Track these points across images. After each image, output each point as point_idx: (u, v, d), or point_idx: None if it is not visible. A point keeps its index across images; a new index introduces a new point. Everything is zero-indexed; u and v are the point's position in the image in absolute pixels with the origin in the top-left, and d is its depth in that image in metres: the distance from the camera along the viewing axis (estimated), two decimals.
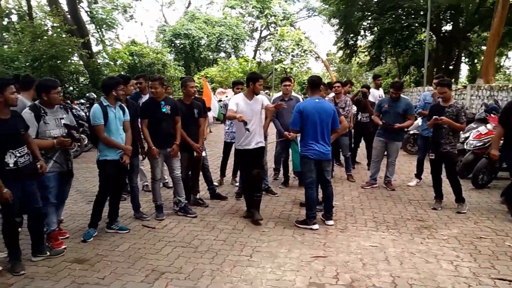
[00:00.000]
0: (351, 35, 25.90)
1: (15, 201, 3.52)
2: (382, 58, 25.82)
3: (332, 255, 3.99)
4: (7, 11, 17.59)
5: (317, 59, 39.64)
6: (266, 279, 3.47)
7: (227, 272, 3.60)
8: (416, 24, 21.33)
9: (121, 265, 3.75)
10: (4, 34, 18.48)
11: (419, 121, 7.71)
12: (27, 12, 18.83)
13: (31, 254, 3.87)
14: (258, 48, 39.19)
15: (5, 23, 17.81)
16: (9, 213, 3.59)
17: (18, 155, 3.52)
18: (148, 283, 3.40)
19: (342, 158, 7.83)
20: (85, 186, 6.79)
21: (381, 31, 21.87)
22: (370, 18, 23.51)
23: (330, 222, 4.85)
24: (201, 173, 5.87)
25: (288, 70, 33.40)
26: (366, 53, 27.01)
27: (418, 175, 6.85)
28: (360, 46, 27.41)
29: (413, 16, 20.83)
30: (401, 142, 6.85)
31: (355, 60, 29.34)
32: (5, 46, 15.03)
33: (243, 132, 4.85)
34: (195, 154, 5.35)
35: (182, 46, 31.15)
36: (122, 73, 18.30)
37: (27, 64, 12.89)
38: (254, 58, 36.30)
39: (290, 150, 6.40)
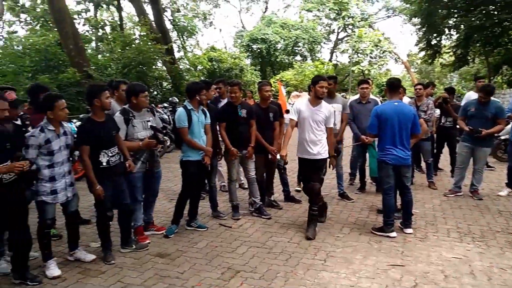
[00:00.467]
0: (434, 35, 24.46)
1: (107, 197, 3.86)
2: (469, 58, 24.05)
3: (410, 264, 3.83)
4: (102, 23, 19.21)
5: (397, 60, 38.07)
6: (340, 284, 3.43)
7: (301, 275, 3.62)
8: (510, 19, 19.57)
9: (199, 261, 3.94)
10: (99, 44, 20.22)
11: (510, 125, 7.07)
12: (119, 23, 20.44)
13: (120, 246, 4.22)
14: (335, 50, 38.62)
15: (100, 34, 19.44)
16: (101, 208, 3.95)
17: (110, 154, 3.86)
18: (224, 280, 3.53)
19: (423, 164, 7.45)
20: (167, 185, 7.19)
21: (468, 29, 20.37)
22: (456, 15, 22.03)
23: (409, 231, 4.65)
24: (277, 174, 5.94)
25: (366, 72, 32.48)
26: (451, 53, 25.35)
27: (510, 184, 6.28)
28: (444, 46, 25.79)
29: (506, 11, 19.14)
30: (490, 148, 6.30)
31: (438, 60, 27.68)
32: (99, 55, 16.44)
33: (302, 138, 4.71)
34: (269, 156, 5.43)
35: (258, 50, 31.69)
36: (202, 78, 19.13)
37: (117, 70, 13.98)
38: (330, 60, 35.81)
39: (367, 155, 6.22)
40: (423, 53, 27.25)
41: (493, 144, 6.27)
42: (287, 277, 3.59)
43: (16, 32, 19.66)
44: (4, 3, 18.86)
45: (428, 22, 23.32)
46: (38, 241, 3.69)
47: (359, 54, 33.16)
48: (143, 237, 4.40)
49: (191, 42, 28.25)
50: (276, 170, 5.87)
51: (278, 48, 32.13)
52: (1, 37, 18.08)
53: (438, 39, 24.92)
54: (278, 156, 5.58)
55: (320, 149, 4.67)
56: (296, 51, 33.99)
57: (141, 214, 4.48)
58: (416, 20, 26.43)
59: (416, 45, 27.58)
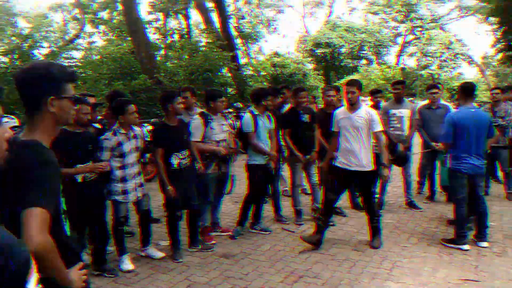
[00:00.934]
0: None
1: (177, 197, 4.05)
2: None
3: (486, 280, 3.59)
4: (170, 31, 20.16)
5: (471, 63, 35.84)
6: None
7: (365, 284, 3.54)
8: None
9: (263, 264, 3.99)
10: (167, 51, 21.23)
11: None
12: (186, 31, 21.32)
13: (187, 245, 4.40)
14: (402, 54, 37.24)
15: (168, 41, 20.41)
16: (171, 208, 4.15)
17: (181, 157, 4.06)
18: (287, 284, 3.56)
19: (500, 173, 6.94)
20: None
21: None
22: None
23: (484, 244, 4.35)
24: None
25: (436, 76, 30.95)
26: None
27: None
28: None
29: None
30: None
31: None
32: (168, 62, 17.23)
33: (342, 148, 4.36)
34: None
35: (322, 55, 31.44)
36: (265, 83, 19.35)
37: (185, 77, 14.58)
38: (397, 64, 34.59)
39: (435, 163, 5.94)
40: (500, 54, 25.42)
41: None
42: (352, 284, 3.53)
43: (95, 42, 21.26)
44: (85, 16, 20.47)
45: (507, 21, 21.73)
46: (113, 237, 3.96)
47: (428, 57, 31.69)
48: (209, 237, 4.55)
49: (255, 48, 28.75)
50: None
51: (343, 52, 31.63)
52: (82, 48, 19.60)
53: None
54: None
55: (364, 161, 4.25)
56: (361, 55, 33.24)
57: (209, 215, 4.64)
58: (493, 19, 24.75)
59: (493, 46, 25.79)
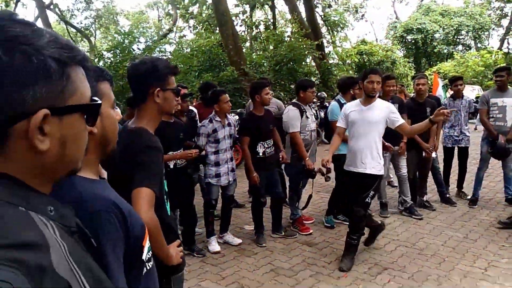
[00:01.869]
0: None
1: (262, 184, 4.19)
2: None
3: None
4: (257, 23, 20.48)
5: None
6: None
7: (456, 281, 3.37)
8: None
9: None
10: (253, 43, 21.61)
11: None
12: (272, 22, 21.49)
13: (271, 231, 4.53)
14: (507, 37, 33.70)
15: (254, 33, 20.76)
16: (256, 194, 4.30)
17: (266, 146, 4.19)
18: (370, 276, 3.52)
19: None
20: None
21: None
22: None
23: None
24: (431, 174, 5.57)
25: None
26: None
27: None
28: None
29: None
30: None
31: None
32: (253, 54, 17.55)
33: (352, 147, 3.77)
34: (423, 154, 5.13)
35: (413, 41, 29.71)
36: (351, 72, 18.85)
37: (270, 68, 14.75)
38: (500, 49, 31.40)
39: None
40: None
41: None
42: (440, 281, 3.38)
43: (185, 36, 22.39)
44: (177, 11, 21.60)
45: None
46: (204, 219, 4.23)
47: None
48: (305, 228, 4.63)
49: (341, 36, 28.04)
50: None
51: (436, 37, 29.55)
52: (174, 41, 20.77)
53: None
54: (433, 155, 5.22)
55: (372, 162, 3.66)
56: (458, 40, 30.75)
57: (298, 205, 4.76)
58: None
59: None
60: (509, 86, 5.45)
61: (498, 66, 7.50)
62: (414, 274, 3.52)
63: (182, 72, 13.72)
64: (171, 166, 3.70)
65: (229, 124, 4.19)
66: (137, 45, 14.06)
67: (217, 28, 15.01)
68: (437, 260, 3.80)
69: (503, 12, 33.05)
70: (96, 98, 0.74)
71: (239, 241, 4.34)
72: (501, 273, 3.49)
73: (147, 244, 1.09)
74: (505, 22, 33.73)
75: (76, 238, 0.69)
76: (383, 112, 3.63)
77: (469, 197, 5.58)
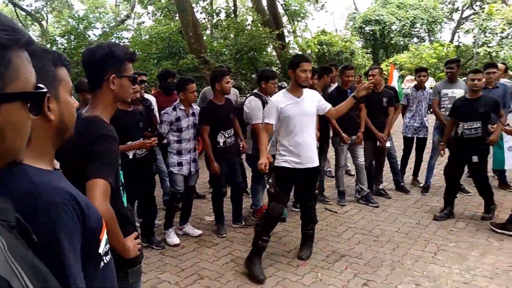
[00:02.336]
0: None
1: (222, 174, 4.18)
2: None
3: None
4: (217, 10, 20.20)
5: None
6: (452, 280, 3.26)
7: (408, 265, 3.52)
8: None
9: None
10: (214, 30, 21.32)
11: None
12: (233, 9, 21.27)
13: (231, 221, 4.54)
14: (458, 31, 35.17)
15: (214, 21, 20.48)
16: (217, 185, 4.29)
17: (227, 135, 4.17)
18: (328, 263, 3.60)
19: None
20: None
21: None
22: None
23: None
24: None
25: (494, 54, 29.08)
26: None
27: None
28: None
29: None
30: None
31: None
32: (215, 42, 17.35)
33: (290, 143, 3.44)
34: (378, 143, 5.28)
35: (371, 32, 30.38)
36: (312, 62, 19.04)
37: (231, 56, 14.64)
38: (451, 41, 32.74)
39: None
40: None
41: None
42: (394, 266, 3.52)
43: (144, 23, 21.76)
44: None
45: None
46: (166, 211, 4.17)
47: (487, 34, 29.75)
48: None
49: (301, 26, 28.22)
50: (386, 158, 5.67)
51: (393, 29, 30.38)
52: (132, 28, 20.14)
53: None
54: (388, 144, 5.38)
55: (315, 155, 3.54)
56: (413, 32, 31.76)
57: (260, 195, 4.77)
58: None
59: None
60: (459, 78, 5.70)
61: (449, 58, 7.82)
62: (370, 260, 3.64)
63: (141, 59, 13.35)
64: (130, 156, 3.60)
65: (193, 114, 4.13)
66: (93, 31, 13.51)
67: (177, 15, 14.70)
68: (392, 246, 3.95)
69: (454, 6, 34.45)
70: (41, 86, 0.69)
71: (199, 232, 4.30)
72: (449, 257, 3.68)
73: (104, 237, 1.06)
74: (456, 16, 35.23)
75: (16, 233, 0.64)
76: (315, 101, 3.51)
77: (421, 184, 5.83)
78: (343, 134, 5.02)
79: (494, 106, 4.43)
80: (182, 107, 4.03)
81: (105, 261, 1.07)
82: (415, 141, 5.90)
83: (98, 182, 1.49)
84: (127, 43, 14.95)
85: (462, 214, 4.82)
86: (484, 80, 5.11)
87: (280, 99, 3.42)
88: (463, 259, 3.63)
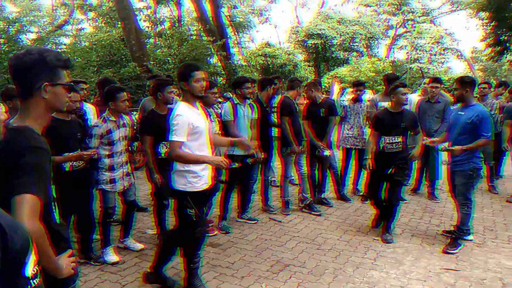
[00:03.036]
0: (504, 30, 22.95)
1: (165, 186, 4.06)
2: None
3: (465, 269, 3.70)
4: (161, 19, 19.94)
5: (460, 57, 36.14)
6: (390, 284, 3.40)
7: (350, 273, 3.62)
8: None
9: (249, 253, 4.05)
10: (157, 39, 20.99)
11: None
12: (177, 19, 21.09)
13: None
14: (392, 47, 37.35)
15: (158, 29, 20.16)
16: (159, 197, 4.17)
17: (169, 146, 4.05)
18: (273, 273, 3.62)
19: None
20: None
21: None
22: None
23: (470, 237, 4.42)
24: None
25: (425, 69, 31.16)
26: None
27: None
28: None
29: None
30: None
31: (506, 57, 25.95)
32: (158, 51, 17.06)
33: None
34: (316, 152, 5.40)
35: (314, 46, 31.39)
36: (256, 74, 19.29)
37: (174, 65, 14.45)
38: (387, 57, 34.68)
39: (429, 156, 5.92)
40: (489, 49, 25.67)
41: None
42: (336, 274, 3.60)
43: (83, 29, 20.92)
44: (74, 1, 20.10)
45: (497, 17, 21.91)
46: (99, 227, 3.93)
47: (418, 51, 31.86)
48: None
49: (246, 38, 28.58)
50: (328, 167, 5.82)
51: (334, 43, 31.60)
52: (71, 34, 19.30)
53: (508, 34, 23.34)
54: (326, 153, 5.50)
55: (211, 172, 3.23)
56: (353, 47, 33.25)
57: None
58: (483, 14, 24.94)
59: (482, 41, 26.03)
60: None
61: (380, 72, 8.25)
62: (313, 269, 3.70)
63: (80, 67, 12.82)
64: (67, 169, 3.40)
65: (124, 125, 3.90)
66: (27, 35, 12.78)
67: (119, 22, 14.30)
68: (334, 254, 4.04)
69: (389, 23, 36.57)
70: None
71: (141, 246, 4.13)
72: (387, 262, 3.84)
73: (31, 258, 0.98)
74: (391, 33, 37.40)
75: None
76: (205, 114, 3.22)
77: (361, 193, 6.05)
78: (295, 146, 5.09)
79: (414, 122, 4.56)
80: (112, 118, 3.77)
81: (33, 284, 0.99)
82: (354, 152, 6.10)
83: (25, 198, 1.38)
84: (65, 49, 14.31)
85: (398, 220, 5.04)
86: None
87: (187, 112, 2.95)
88: (400, 264, 3.80)
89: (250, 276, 3.55)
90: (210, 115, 4.48)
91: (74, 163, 3.45)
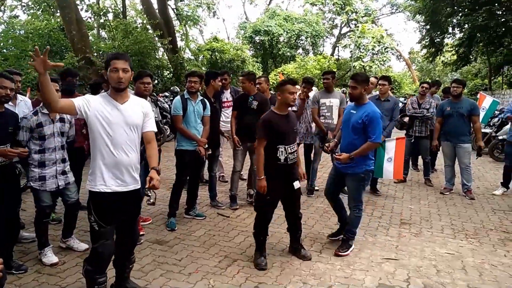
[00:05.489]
0: (438, 33, 24.43)
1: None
2: (471, 57, 24.02)
3: (404, 258, 3.90)
4: (105, 10, 19.11)
5: (399, 57, 38.02)
6: (335, 276, 3.51)
7: (296, 265, 3.69)
8: None
9: (197, 249, 4.01)
10: (101, 31, 20.12)
11: (508, 126, 7.15)
12: (122, 10, 20.33)
13: None
14: (337, 45, 38.50)
15: (102, 21, 19.34)
16: None
17: None
18: (221, 268, 3.60)
19: (419, 162, 7.52)
20: (166, 173, 7.25)
21: (472, 28, 20.33)
22: (460, 14, 21.97)
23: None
24: None
25: (367, 68, 32.45)
26: (453, 51, 25.32)
27: (505, 183, 6.35)
28: (447, 45, 25.78)
29: (511, 11, 19.11)
30: (470, 144, 6.17)
31: (440, 59, 27.68)
32: (102, 43, 16.36)
33: (110, 160, 2.73)
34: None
35: (261, 42, 31.61)
36: (204, 68, 19.09)
37: None
38: (332, 55, 35.70)
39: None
40: (425, 50, 27.23)
41: (470, 141, 6.23)
42: (283, 267, 3.66)
43: (18, 16, 19.58)
44: None
45: (432, 20, 23.28)
46: (35, 228, 3.68)
47: (361, 50, 33.09)
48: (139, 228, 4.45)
49: (194, 32, 28.18)
50: None
51: (281, 40, 32.02)
52: (3, 21, 17.99)
53: (441, 37, 24.89)
54: None
55: (136, 175, 2.88)
56: (299, 44, 33.88)
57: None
58: (420, 17, 26.38)
59: (419, 42, 27.57)
60: (335, 88, 6.20)
61: (325, 70, 8.46)
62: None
63: (14, 56, 12.01)
64: None
65: (61, 120, 3.67)
66: None
67: (58, 11, 13.54)
68: (281, 247, 4.11)
69: (334, 23, 37.68)
70: None
71: (85, 246, 3.90)
72: (332, 254, 3.96)
73: None
74: (336, 32, 38.57)
75: None
76: (139, 107, 2.86)
77: (308, 187, 6.18)
78: (234, 137, 5.11)
79: None
80: (45, 111, 3.51)
81: None
82: (302, 146, 6.23)
83: None
84: None
85: None
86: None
87: (97, 105, 2.69)
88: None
89: (198, 272, 3.52)
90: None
91: None
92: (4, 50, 13.01)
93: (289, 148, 3.59)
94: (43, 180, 3.55)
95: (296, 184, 3.72)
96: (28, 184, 3.60)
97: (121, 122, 2.73)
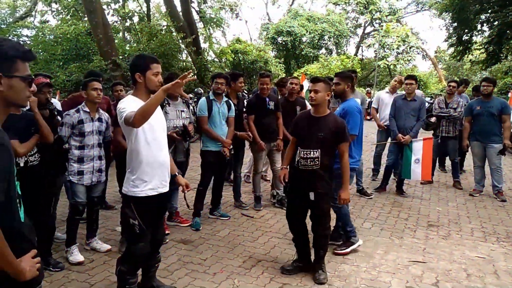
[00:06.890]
0: (466, 30, 23.78)
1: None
2: (501, 55, 23.27)
3: (432, 261, 3.81)
4: (130, 14, 19.48)
5: (425, 56, 37.25)
6: (361, 277, 3.46)
7: None
8: None
9: (221, 249, 4.02)
10: (126, 34, 20.51)
11: None
12: (146, 14, 20.67)
13: None
14: (361, 45, 38.07)
15: (127, 24, 19.71)
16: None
17: None
18: (245, 269, 3.61)
19: (448, 163, 7.33)
20: (191, 174, 7.30)
21: (502, 25, 19.72)
22: (489, 11, 21.33)
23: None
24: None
25: (392, 67, 31.95)
26: (482, 49, 24.59)
27: None
28: (476, 43, 25.06)
29: None
30: (501, 144, 5.87)
31: (468, 57, 26.93)
32: (128, 46, 16.70)
33: (153, 158, 2.74)
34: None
35: (283, 43, 31.54)
36: (227, 70, 19.19)
37: None
38: (356, 54, 35.30)
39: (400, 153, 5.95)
40: (452, 49, 26.56)
41: (501, 141, 6.01)
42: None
43: (48, 21, 20.20)
44: None
45: (459, 17, 22.69)
46: (66, 225, 3.79)
47: (385, 49, 32.60)
48: (184, 220, 4.71)
49: (217, 34, 28.39)
50: None
51: (304, 41, 31.88)
52: (34, 26, 18.58)
53: (469, 35, 24.21)
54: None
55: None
56: (322, 44, 33.63)
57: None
58: (446, 15, 25.76)
59: (445, 41, 26.87)
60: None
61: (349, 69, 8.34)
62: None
63: (44, 60, 12.41)
64: (21, 164, 3.20)
65: (99, 119, 3.82)
66: None
67: (86, 16, 13.88)
68: None
69: (358, 22, 37.23)
70: None
71: (108, 247, 3.96)
72: (357, 256, 3.90)
73: None
74: (359, 31, 38.12)
75: None
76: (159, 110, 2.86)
77: None
78: (260, 142, 5.09)
79: (336, 133, 3.34)
80: (86, 109, 3.73)
81: None
82: None
83: None
84: (28, 42, 13.79)
85: (368, 215, 5.15)
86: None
87: (130, 101, 2.67)
88: (370, 257, 3.88)
89: (223, 272, 3.53)
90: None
91: (29, 158, 3.27)
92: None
93: (302, 152, 3.39)
94: (81, 174, 3.72)
95: (311, 196, 3.38)
96: (68, 178, 3.73)
97: (161, 123, 2.82)
